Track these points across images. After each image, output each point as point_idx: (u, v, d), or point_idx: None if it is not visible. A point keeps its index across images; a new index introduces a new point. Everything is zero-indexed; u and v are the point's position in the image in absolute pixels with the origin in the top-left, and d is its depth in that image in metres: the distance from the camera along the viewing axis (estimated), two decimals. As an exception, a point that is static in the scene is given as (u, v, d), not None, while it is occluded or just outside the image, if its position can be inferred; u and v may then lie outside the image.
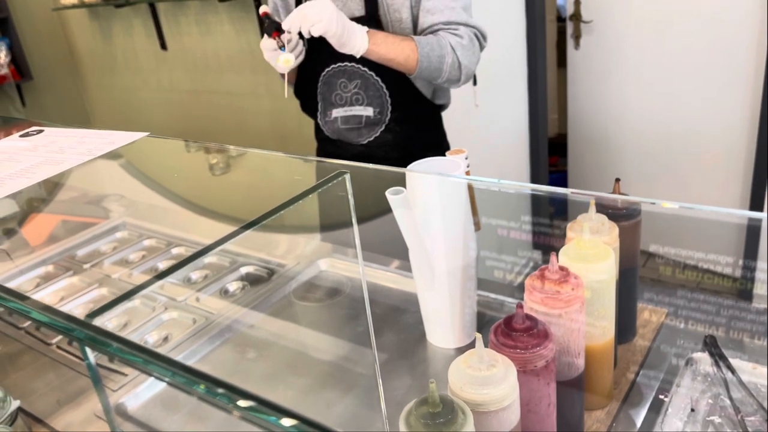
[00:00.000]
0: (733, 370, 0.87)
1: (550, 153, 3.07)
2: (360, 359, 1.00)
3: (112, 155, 1.24)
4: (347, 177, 0.58)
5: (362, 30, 1.29)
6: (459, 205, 0.88)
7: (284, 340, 1.12)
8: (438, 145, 1.52)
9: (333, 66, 1.42)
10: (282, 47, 1.29)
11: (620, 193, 0.89)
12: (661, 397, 0.84)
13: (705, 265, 1.54)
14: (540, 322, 0.65)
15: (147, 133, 0.91)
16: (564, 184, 3.38)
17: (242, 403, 0.37)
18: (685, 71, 2.55)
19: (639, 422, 0.81)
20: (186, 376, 0.39)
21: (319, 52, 1.39)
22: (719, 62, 2.43)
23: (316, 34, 1.24)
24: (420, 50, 1.31)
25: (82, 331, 0.40)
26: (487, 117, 2.55)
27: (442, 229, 0.87)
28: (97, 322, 0.41)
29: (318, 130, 1.54)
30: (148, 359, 0.38)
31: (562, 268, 0.72)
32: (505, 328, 0.64)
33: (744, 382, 0.85)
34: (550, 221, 0.88)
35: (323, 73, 1.44)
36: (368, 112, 1.42)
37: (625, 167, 2.92)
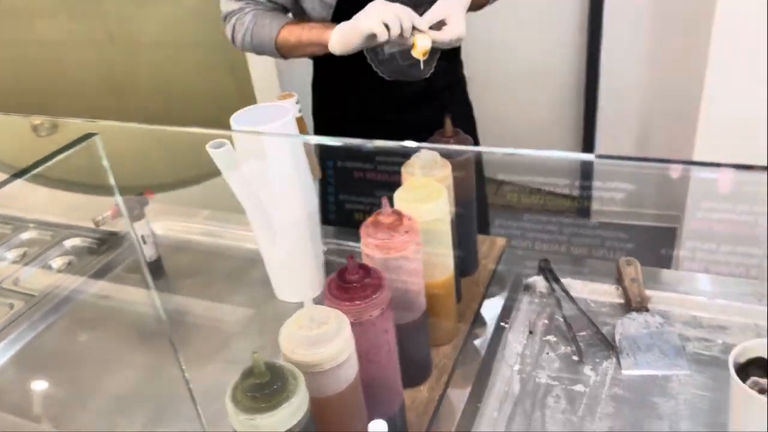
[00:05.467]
0: (565, 290, 0.92)
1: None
2: (191, 321, 0.94)
3: None
4: (98, 138, 0.51)
5: None
6: (289, 154, 0.83)
7: (113, 315, 1.03)
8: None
9: None
10: None
11: (451, 131, 0.88)
12: (503, 324, 0.88)
13: (548, 188, 1.62)
14: (374, 271, 0.63)
15: None
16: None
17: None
18: None
19: (483, 351, 0.83)
20: None
21: None
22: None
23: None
24: None
25: None
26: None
27: (274, 180, 0.82)
28: None
29: (360, 83, 1.24)
30: None
31: (394, 212, 0.70)
32: (338, 281, 0.61)
33: (575, 299, 0.91)
34: (393, 160, 0.86)
35: None
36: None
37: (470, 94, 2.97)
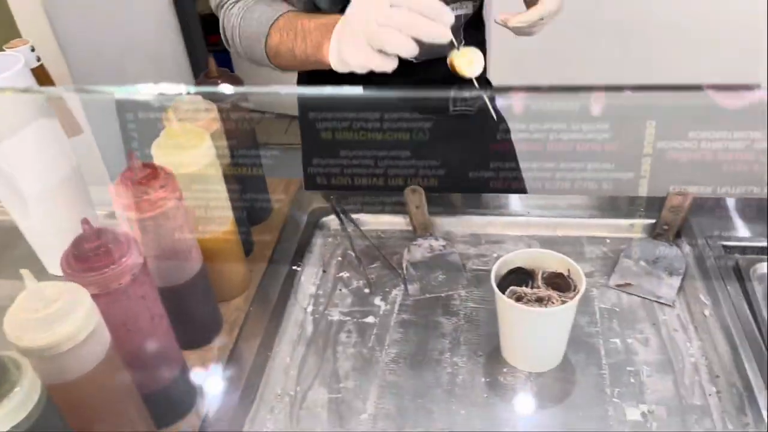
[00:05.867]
0: (356, 224, 0.92)
1: (208, 32, 2.87)
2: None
3: None
4: None
5: None
6: (24, 110, 0.72)
7: None
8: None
9: None
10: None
11: (216, 71, 0.82)
12: (295, 267, 0.86)
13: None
14: (119, 234, 0.57)
15: None
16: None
17: None
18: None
19: (275, 298, 0.81)
20: None
21: None
22: None
23: None
24: None
25: None
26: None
27: (8, 143, 0.71)
28: None
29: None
30: None
31: (146, 165, 0.64)
32: (75, 250, 0.55)
33: (368, 232, 0.91)
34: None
35: None
36: (467, 9, 0.94)
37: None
